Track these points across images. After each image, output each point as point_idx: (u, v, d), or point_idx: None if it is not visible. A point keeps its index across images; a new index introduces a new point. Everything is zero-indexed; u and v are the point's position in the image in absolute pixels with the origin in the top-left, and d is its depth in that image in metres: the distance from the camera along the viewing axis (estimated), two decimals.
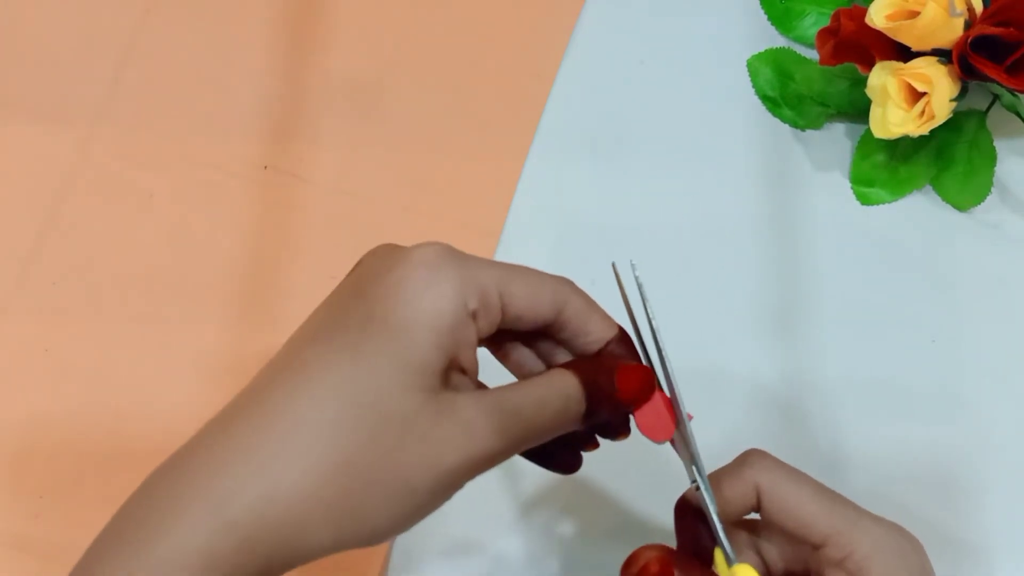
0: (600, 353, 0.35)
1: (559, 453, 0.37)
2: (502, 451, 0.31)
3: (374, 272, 0.31)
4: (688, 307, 0.51)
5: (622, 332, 0.35)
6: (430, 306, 0.30)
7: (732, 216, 0.53)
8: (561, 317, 0.34)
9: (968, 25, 0.47)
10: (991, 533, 0.47)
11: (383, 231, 0.52)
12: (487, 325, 0.32)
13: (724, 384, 0.50)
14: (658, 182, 0.53)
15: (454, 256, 0.31)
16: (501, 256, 0.52)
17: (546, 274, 0.34)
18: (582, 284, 0.51)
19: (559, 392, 0.32)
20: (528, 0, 0.57)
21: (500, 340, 0.35)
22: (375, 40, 0.57)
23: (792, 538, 0.35)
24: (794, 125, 0.54)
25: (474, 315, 0.31)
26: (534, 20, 0.57)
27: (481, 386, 0.33)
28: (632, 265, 0.34)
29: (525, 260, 0.51)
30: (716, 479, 0.36)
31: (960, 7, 0.46)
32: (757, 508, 0.35)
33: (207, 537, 0.28)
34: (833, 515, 0.34)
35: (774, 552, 0.37)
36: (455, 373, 0.31)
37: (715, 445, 0.49)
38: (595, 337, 0.34)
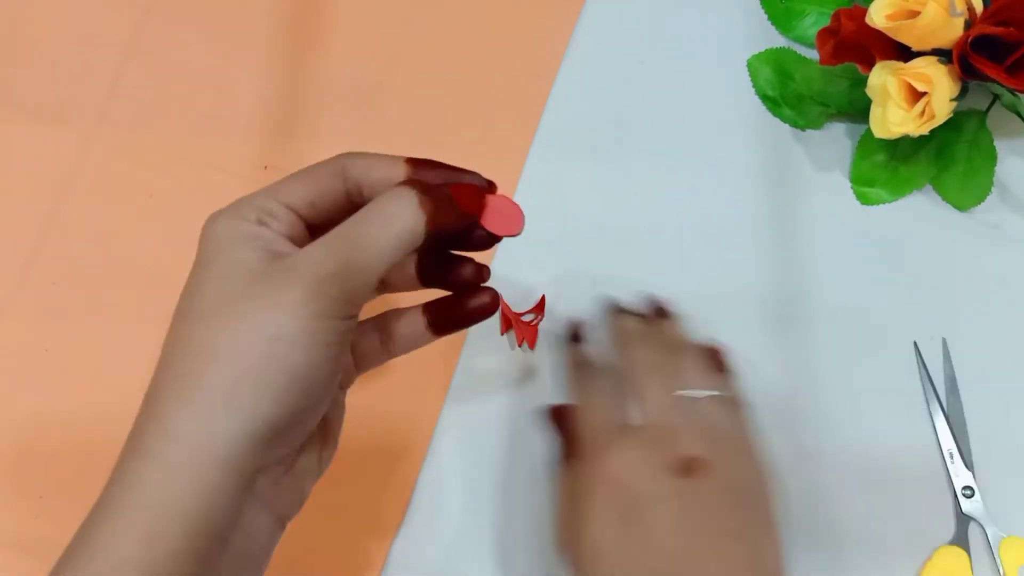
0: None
1: (453, 269, 0.39)
2: (341, 268, 0.32)
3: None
4: (688, 307, 0.51)
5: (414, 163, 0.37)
6: (217, 238, 0.34)
7: (732, 216, 0.53)
8: (350, 183, 0.36)
9: (968, 25, 0.47)
10: (992, 533, 0.47)
11: None
12: (287, 225, 0.35)
13: None
14: (658, 182, 0.53)
15: (226, 208, 0.35)
16: (501, 256, 0.52)
17: (321, 161, 0.36)
18: (582, 284, 0.52)
19: (384, 202, 0.34)
20: (528, 0, 0.57)
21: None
22: (375, 40, 0.57)
23: None
24: (794, 125, 0.54)
25: (261, 223, 0.34)
26: (534, 20, 0.57)
27: None
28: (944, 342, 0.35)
29: (525, 260, 0.52)
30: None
31: (960, 7, 0.46)
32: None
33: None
34: None
35: None
36: (285, 255, 0.33)
37: None
38: (383, 174, 0.36)
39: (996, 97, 0.51)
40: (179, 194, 0.54)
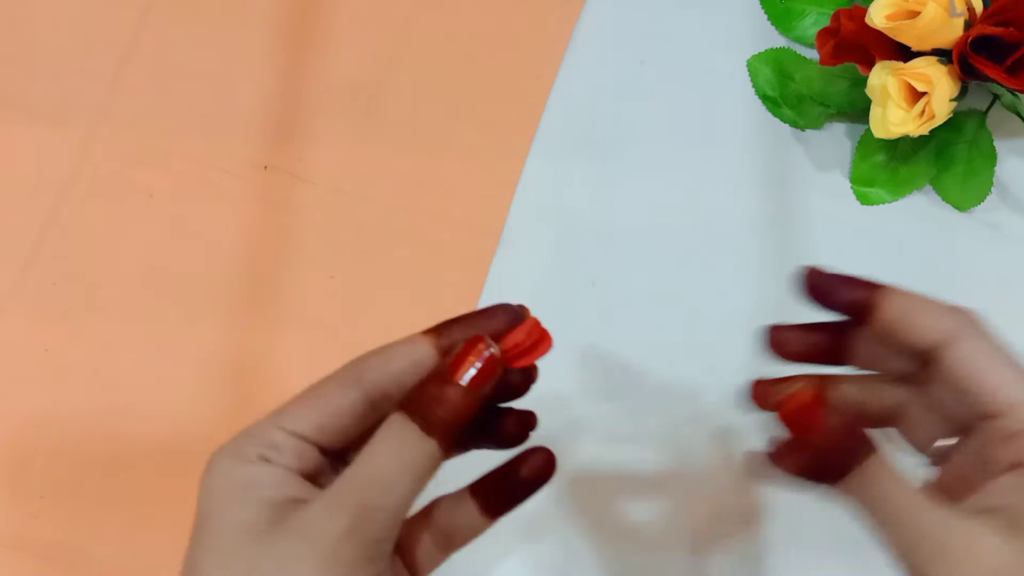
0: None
1: (493, 432, 0.34)
2: (357, 516, 0.28)
3: None
4: (688, 307, 0.51)
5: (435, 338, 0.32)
6: (214, 488, 0.30)
7: (732, 216, 0.53)
8: (370, 388, 0.31)
9: (968, 25, 0.47)
10: None
11: (383, 231, 0.53)
12: (295, 458, 0.31)
13: (724, 383, 0.50)
14: (658, 182, 0.53)
15: (229, 443, 0.31)
16: (501, 256, 0.52)
17: (331, 374, 0.32)
18: (582, 284, 0.52)
19: (383, 437, 0.30)
20: (528, 0, 0.57)
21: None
22: (375, 40, 0.57)
23: (960, 398, 0.31)
24: (794, 125, 0.54)
25: (264, 459, 0.30)
26: (534, 20, 0.57)
27: None
28: None
29: (525, 260, 0.52)
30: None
31: (960, 7, 0.46)
32: (929, 355, 0.32)
33: None
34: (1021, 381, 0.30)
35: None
36: (293, 505, 0.30)
37: (713, 444, 0.49)
38: (404, 361, 0.31)
39: (996, 97, 0.51)
40: (179, 194, 0.54)
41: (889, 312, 0.33)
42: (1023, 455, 0.29)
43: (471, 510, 0.33)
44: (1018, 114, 0.50)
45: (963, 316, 0.33)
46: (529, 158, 0.54)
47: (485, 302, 0.51)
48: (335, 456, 0.32)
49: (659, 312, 0.51)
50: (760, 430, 0.45)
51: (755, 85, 0.55)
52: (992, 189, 0.52)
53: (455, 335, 0.31)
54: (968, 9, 0.47)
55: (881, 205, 0.53)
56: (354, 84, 0.56)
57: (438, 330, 0.32)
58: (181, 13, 0.57)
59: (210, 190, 0.54)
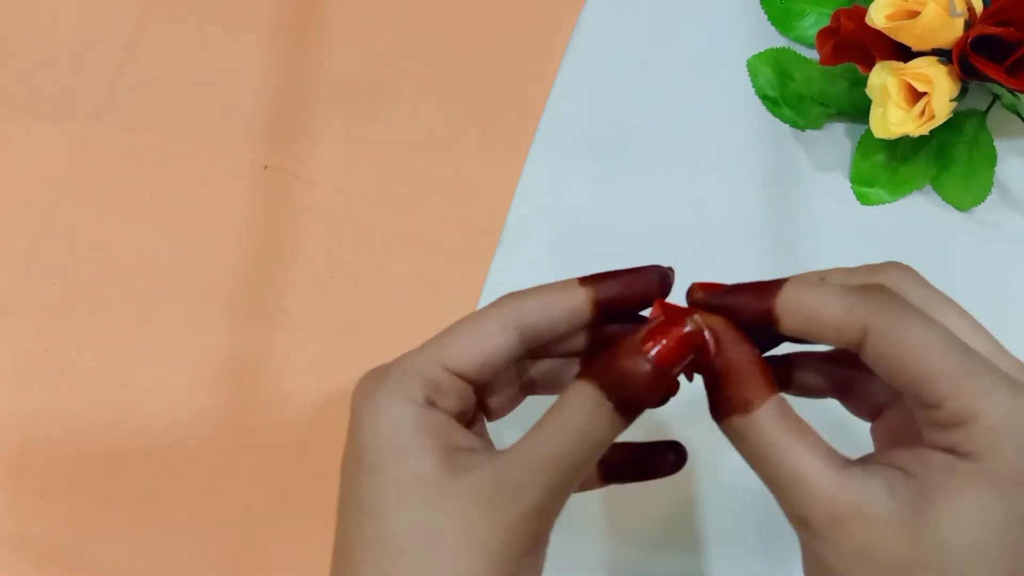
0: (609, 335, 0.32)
1: (648, 461, 0.34)
2: (544, 499, 0.28)
3: (349, 427, 0.31)
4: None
5: (596, 285, 0.32)
6: (383, 427, 0.29)
7: (732, 216, 0.53)
8: (527, 333, 0.31)
9: (968, 25, 0.47)
10: None
11: (383, 231, 0.53)
12: (453, 401, 0.31)
13: None
14: (658, 182, 0.53)
15: (380, 370, 0.31)
16: (502, 256, 0.52)
17: (486, 310, 0.31)
18: None
19: (573, 410, 0.29)
20: (528, 0, 0.57)
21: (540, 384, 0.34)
22: (375, 40, 0.57)
23: (893, 382, 0.29)
24: (794, 125, 0.54)
25: (429, 403, 0.30)
26: (534, 20, 0.57)
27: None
28: None
29: (525, 260, 0.52)
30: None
31: (960, 7, 0.46)
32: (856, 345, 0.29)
33: None
34: (959, 373, 0.27)
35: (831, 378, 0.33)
36: (461, 455, 0.30)
37: (714, 445, 0.49)
38: (562, 310, 0.31)
39: (996, 97, 0.51)
40: (179, 194, 0.54)
41: (790, 320, 0.30)
42: (955, 445, 0.27)
43: (592, 472, 0.33)
44: (1018, 114, 0.50)
45: (876, 299, 0.29)
46: (529, 158, 0.54)
47: (485, 302, 0.51)
48: (482, 392, 0.32)
49: None
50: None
51: (755, 85, 0.55)
52: (992, 189, 0.52)
53: (611, 290, 0.31)
54: (968, 9, 0.47)
55: (881, 205, 0.53)
56: (354, 84, 0.56)
57: (593, 281, 0.31)
58: (181, 13, 0.57)
59: (210, 190, 0.54)
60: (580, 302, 0.31)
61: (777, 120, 0.54)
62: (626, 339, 0.30)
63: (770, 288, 0.31)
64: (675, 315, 0.30)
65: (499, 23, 0.57)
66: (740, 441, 0.30)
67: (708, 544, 0.48)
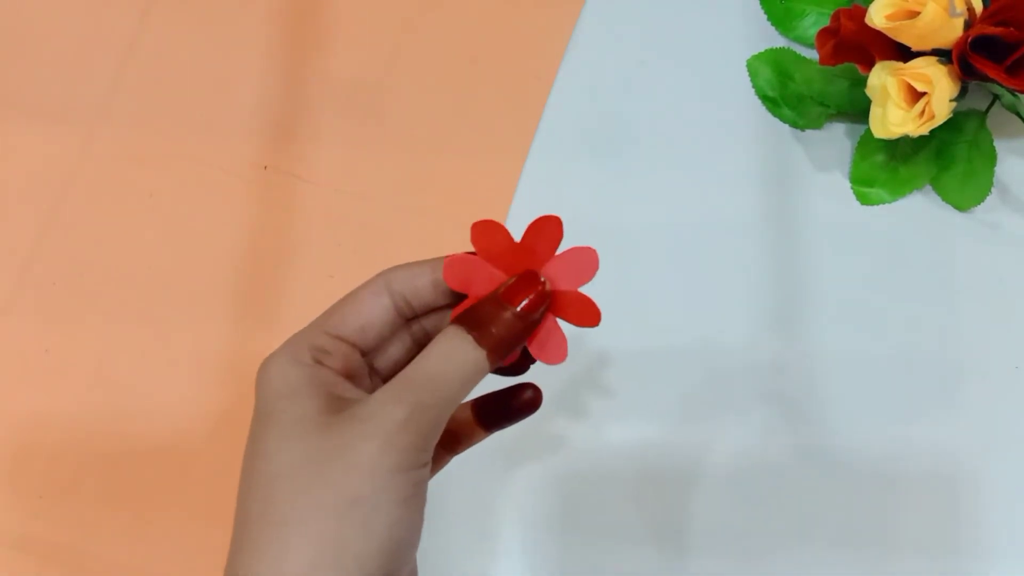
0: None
1: (509, 400, 0.37)
2: (413, 412, 0.31)
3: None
4: (688, 307, 0.51)
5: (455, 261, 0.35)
6: (273, 383, 0.33)
7: (732, 216, 0.53)
8: (400, 300, 0.35)
9: (968, 25, 0.47)
10: (990, 533, 0.47)
11: (383, 231, 0.53)
12: (340, 361, 0.34)
13: (723, 384, 0.50)
14: (658, 182, 0.53)
15: (281, 348, 0.34)
16: None
17: (364, 283, 0.36)
18: None
19: (438, 341, 0.33)
20: (528, 0, 0.57)
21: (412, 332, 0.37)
22: (375, 40, 0.57)
23: None
24: (794, 125, 0.54)
25: (317, 362, 0.33)
26: (534, 20, 0.57)
27: None
28: None
29: None
30: None
31: (960, 7, 0.46)
32: None
33: None
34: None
35: None
36: (345, 402, 0.32)
37: (713, 445, 0.50)
38: (427, 279, 0.35)
39: (996, 97, 0.51)
40: (179, 194, 0.54)
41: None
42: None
43: (469, 419, 0.37)
44: (1018, 114, 0.50)
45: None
46: (529, 158, 0.54)
47: None
48: (372, 359, 0.35)
49: (659, 311, 0.51)
50: (760, 429, 0.45)
51: (755, 85, 0.55)
52: (992, 189, 0.52)
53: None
54: (968, 9, 0.47)
55: (881, 205, 0.53)
56: (354, 84, 0.56)
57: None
58: (181, 13, 0.57)
59: (210, 190, 0.54)
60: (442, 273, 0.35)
61: (777, 120, 0.54)
62: (489, 295, 0.34)
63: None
64: (531, 274, 0.35)
65: (499, 23, 0.57)
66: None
67: (695, 542, 0.48)
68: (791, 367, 0.50)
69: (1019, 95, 0.49)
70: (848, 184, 0.53)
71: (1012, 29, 0.46)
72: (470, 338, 0.32)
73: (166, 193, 0.54)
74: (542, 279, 0.35)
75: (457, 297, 0.35)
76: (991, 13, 0.47)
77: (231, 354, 0.51)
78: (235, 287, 0.52)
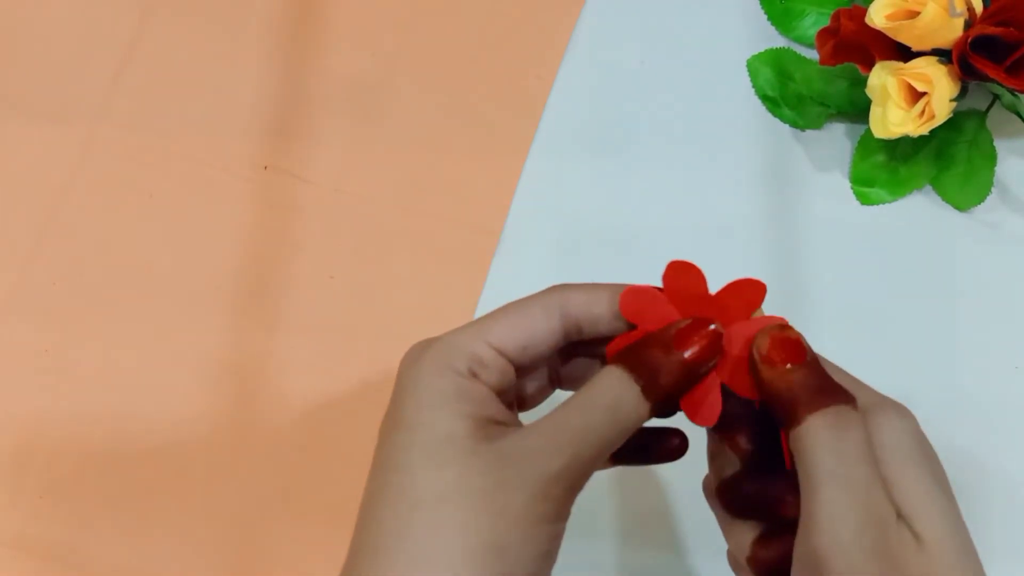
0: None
1: (653, 444, 0.35)
2: (569, 466, 0.29)
3: (394, 390, 0.32)
4: None
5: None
6: (425, 390, 0.31)
7: (732, 216, 0.53)
8: (569, 322, 0.33)
9: (968, 25, 0.47)
10: (989, 533, 0.47)
11: (383, 231, 0.53)
12: (495, 376, 0.32)
13: None
14: (658, 182, 0.53)
15: (429, 341, 0.32)
16: (501, 256, 0.52)
17: (535, 295, 0.33)
18: None
19: (601, 389, 0.31)
20: (528, 0, 0.57)
21: (571, 378, 0.35)
22: (375, 40, 0.57)
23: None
24: (794, 125, 0.54)
25: (472, 375, 0.31)
26: (534, 20, 0.57)
27: None
28: None
29: (525, 260, 0.52)
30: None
31: (960, 7, 0.46)
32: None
33: None
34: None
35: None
36: (494, 427, 0.31)
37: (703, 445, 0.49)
38: (605, 308, 0.33)
39: (996, 97, 0.51)
40: (179, 194, 0.54)
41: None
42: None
43: None
44: (1018, 114, 0.50)
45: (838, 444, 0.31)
46: (529, 158, 0.54)
47: (485, 302, 0.51)
48: (522, 374, 0.33)
49: None
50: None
51: (755, 85, 0.55)
52: (992, 189, 0.52)
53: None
54: (968, 9, 0.47)
55: (881, 205, 0.53)
56: (354, 84, 0.56)
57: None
58: (181, 13, 0.57)
59: (210, 190, 0.54)
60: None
61: (777, 120, 0.54)
62: (658, 332, 0.32)
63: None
64: (704, 321, 0.32)
65: (499, 23, 0.57)
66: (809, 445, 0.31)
67: (696, 542, 0.48)
68: None
69: (1019, 95, 0.49)
70: (848, 184, 0.53)
71: (1012, 29, 0.46)
72: (637, 389, 0.30)
73: (166, 193, 0.54)
74: (715, 327, 0.32)
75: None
76: (991, 13, 0.47)
77: (231, 354, 0.51)
78: (235, 287, 0.52)
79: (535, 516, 0.29)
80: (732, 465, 0.34)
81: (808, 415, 0.30)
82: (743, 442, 0.34)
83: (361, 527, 0.30)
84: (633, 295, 0.32)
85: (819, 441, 0.30)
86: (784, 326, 0.32)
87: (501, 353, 0.32)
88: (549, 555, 0.29)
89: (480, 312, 0.51)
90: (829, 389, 0.31)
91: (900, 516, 0.30)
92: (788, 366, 0.31)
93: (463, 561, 0.28)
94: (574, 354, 0.35)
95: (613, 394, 0.30)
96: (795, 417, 0.30)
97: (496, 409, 0.31)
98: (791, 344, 0.31)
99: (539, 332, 0.32)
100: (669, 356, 0.31)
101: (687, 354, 0.31)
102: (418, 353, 0.32)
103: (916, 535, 0.29)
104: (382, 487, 0.30)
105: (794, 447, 0.30)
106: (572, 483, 0.30)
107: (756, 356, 0.32)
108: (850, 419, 0.30)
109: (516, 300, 0.33)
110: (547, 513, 0.29)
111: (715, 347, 0.32)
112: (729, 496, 0.34)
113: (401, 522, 0.29)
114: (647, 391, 0.30)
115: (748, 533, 0.33)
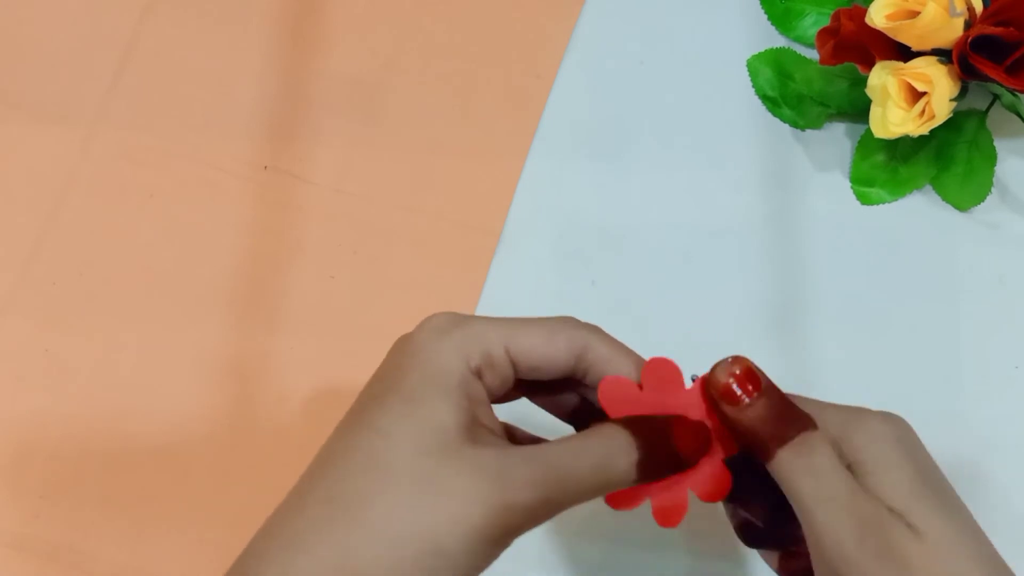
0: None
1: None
2: (536, 504, 0.29)
3: (396, 347, 0.33)
4: (688, 307, 0.51)
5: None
6: (437, 368, 0.31)
7: (732, 216, 0.53)
8: (582, 364, 0.33)
9: (968, 25, 0.47)
10: (989, 534, 0.47)
11: (383, 231, 0.53)
12: (497, 381, 0.32)
13: None
14: (658, 182, 0.53)
15: (458, 319, 0.32)
16: (502, 256, 0.52)
17: (562, 322, 0.33)
18: (582, 285, 0.52)
19: (599, 444, 0.31)
20: (528, 1, 0.57)
21: (540, 391, 0.35)
22: (375, 40, 0.57)
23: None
24: (794, 125, 0.54)
25: (478, 373, 0.31)
26: (534, 20, 0.57)
27: (519, 443, 0.34)
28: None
29: (525, 260, 0.52)
30: None
31: (960, 7, 0.46)
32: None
33: None
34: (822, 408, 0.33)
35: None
36: (481, 430, 0.31)
37: None
38: (618, 370, 0.33)
39: (996, 97, 0.51)
40: (179, 194, 0.54)
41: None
42: None
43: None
44: (1018, 114, 0.50)
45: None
46: (529, 158, 0.54)
47: (485, 302, 0.51)
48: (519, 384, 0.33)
49: (659, 312, 0.51)
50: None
51: (755, 85, 0.55)
52: (992, 189, 0.52)
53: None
54: (968, 9, 0.47)
55: (881, 205, 0.53)
56: (354, 83, 0.56)
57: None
58: (181, 13, 0.57)
59: (210, 190, 0.54)
60: (637, 374, 0.33)
61: (777, 120, 0.54)
62: (676, 416, 0.33)
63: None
64: (703, 427, 0.34)
65: (499, 24, 0.57)
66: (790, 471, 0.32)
67: (692, 543, 0.48)
68: (790, 366, 0.50)
69: (1019, 95, 0.49)
70: (848, 184, 0.53)
71: (1012, 29, 0.46)
72: (636, 458, 0.31)
73: (166, 193, 0.54)
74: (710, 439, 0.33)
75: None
76: (991, 13, 0.47)
77: (231, 354, 0.51)
78: (235, 287, 0.52)
79: (486, 537, 0.28)
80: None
81: (778, 449, 0.32)
82: (756, 512, 0.36)
83: (320, 476, 0.30)
84: (651, 365, 0.33)
85: (793, 469, 0.32)
86: (735, 358, 0.34)
87: (513, 363, 0.32)
88: (479, 572, 0.29)
89: (480, 312, 0.51)
90: (790, 418, 0.33)
91: (892, 511, 0.31)
92: (747, 400, 0.33)
93: (400, 547, 0.28)
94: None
95: (607, 454, 0.31)
96: (767, 452, 0.32)
97: (487, 414, 0.32)
98: (745, 372, 0.33)
99: (555, 362, 0.33)
100: (678, 452, 0.32)
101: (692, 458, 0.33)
102: (446, 327, 0.32)
103: (912, 527, 0.31)
104: (352, 435, 0.30)
105: (775, 478, 0.32)
106: (532, 516, 0.29)
107: (715, 394, 0.33)
108: (815, 441, 0.32)
109: (544, 318, 0.33)
110: (499, 538, 0.29)
111: (702, 452, 0.33)
112: (749, 536, 0.36)
113: (370, 489, 0.29)
114: (643, 465, 0.31)
115: (772, 552, 0.36)
